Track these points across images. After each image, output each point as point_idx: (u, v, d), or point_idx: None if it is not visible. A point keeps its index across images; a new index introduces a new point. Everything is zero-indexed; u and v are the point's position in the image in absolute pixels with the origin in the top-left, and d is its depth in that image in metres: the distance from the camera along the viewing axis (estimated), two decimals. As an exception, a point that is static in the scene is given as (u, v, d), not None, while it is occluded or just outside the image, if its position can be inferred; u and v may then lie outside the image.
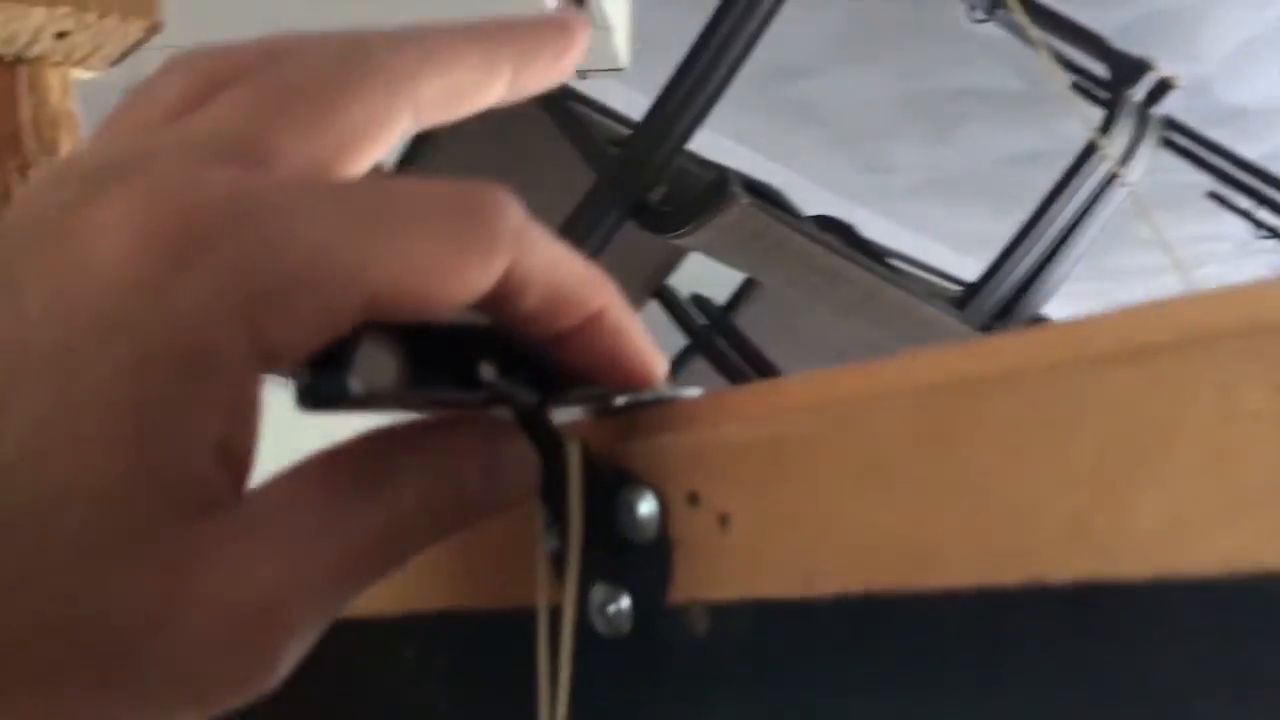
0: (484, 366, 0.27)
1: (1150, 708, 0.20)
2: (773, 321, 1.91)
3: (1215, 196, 2.27)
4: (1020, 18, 1.73)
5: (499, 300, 0.25)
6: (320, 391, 0.24)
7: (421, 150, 1.84)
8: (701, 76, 1.40)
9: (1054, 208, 1.49)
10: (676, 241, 1.40)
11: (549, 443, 0.28)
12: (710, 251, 1.39)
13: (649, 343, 0.29)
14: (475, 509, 0.26)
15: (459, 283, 0.24)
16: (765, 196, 1.32)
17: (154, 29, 0.54)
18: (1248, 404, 0.19)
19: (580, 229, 1.47)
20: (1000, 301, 1.61)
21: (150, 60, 0.31)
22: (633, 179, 1.31)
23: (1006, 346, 0.22)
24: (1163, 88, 1.56)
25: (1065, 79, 2.12)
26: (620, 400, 0.29)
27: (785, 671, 0.25)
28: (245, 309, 0.21)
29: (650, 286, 1.96)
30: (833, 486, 0.24)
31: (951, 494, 0.23)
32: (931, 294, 1.56)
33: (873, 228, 1.99)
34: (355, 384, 0.24)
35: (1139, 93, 1.53)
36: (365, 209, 0.23)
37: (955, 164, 2.81)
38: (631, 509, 0.28)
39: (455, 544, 0.33)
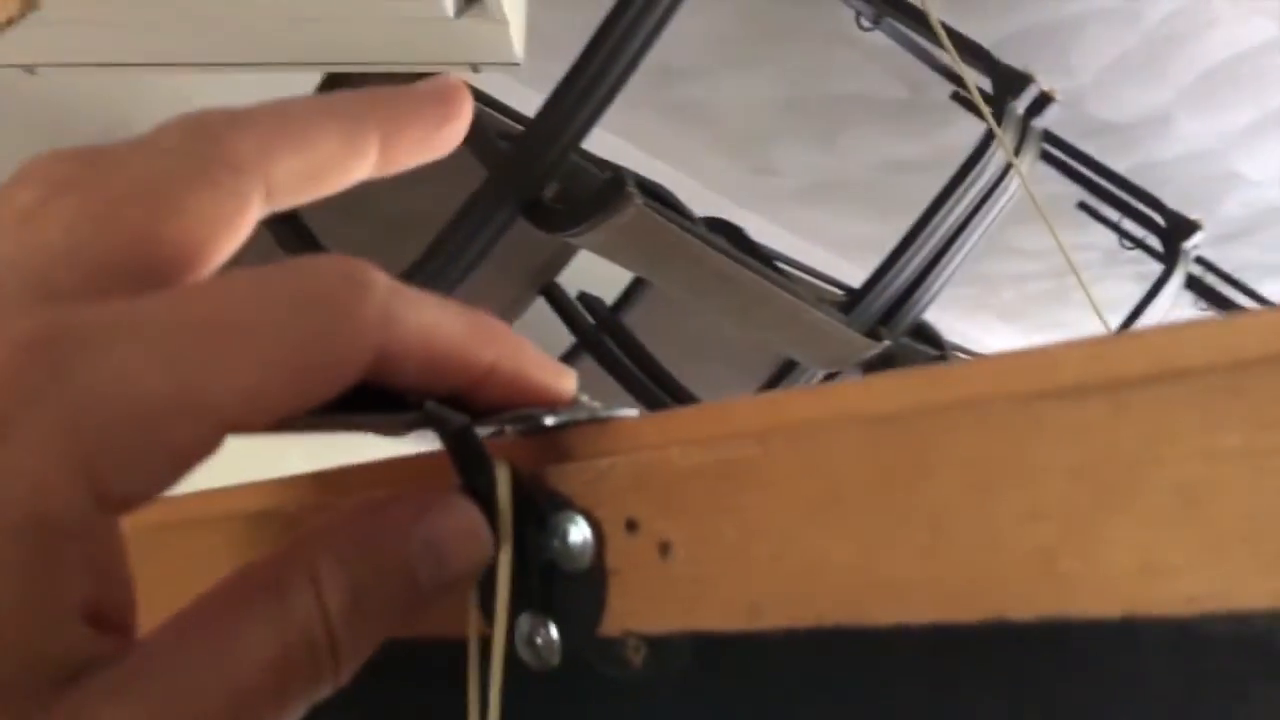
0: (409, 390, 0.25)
1: (1119, 752, 0.19)
2: (661, 322, 1.91)
3: (1085, 207, 2.35)
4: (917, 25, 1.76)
5: (376, 374, 0.23)
6: None
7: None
8: (598, 73, 1.39)
9: (939, 214, 1.52)
10: (569, 240, 1.38)
11: (477, 464, 0.26)
12: (602, 251, 1.38)
13: (552, 369, 0.26)
14: (423, 596, 0.24)
15: (322, 383, 0.21)
16: (658, 198, 1.31)
17: (29, 5, 0.51)
18: (1225, 442, 0.19)
19: (469, 225, 1.44)
20: (885, 306, 1.63)
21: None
22: (525, 175, 1.29)
23: (972, 374, 0.21)
24: (1043, 100, 1.60)
25: (948, 88, 2.17)
26: (551, 420, 0.27)
27: (727, 706, 0.24)
28: (80, 464, 0.19)
29: (538, 284, 1.93)
30: (783, 515, 0.23)
31: (910, 526, 0.22)
32: (819, 298, 1.57)
33: (758, 231, 2.00)
34: None
35: (1021, 105, 1.57)
36: (199, 328, 0.20)
37: (839, 169, 2.85)
38: (563, 535, 0.26)
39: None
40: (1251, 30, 2.21)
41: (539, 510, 0.27)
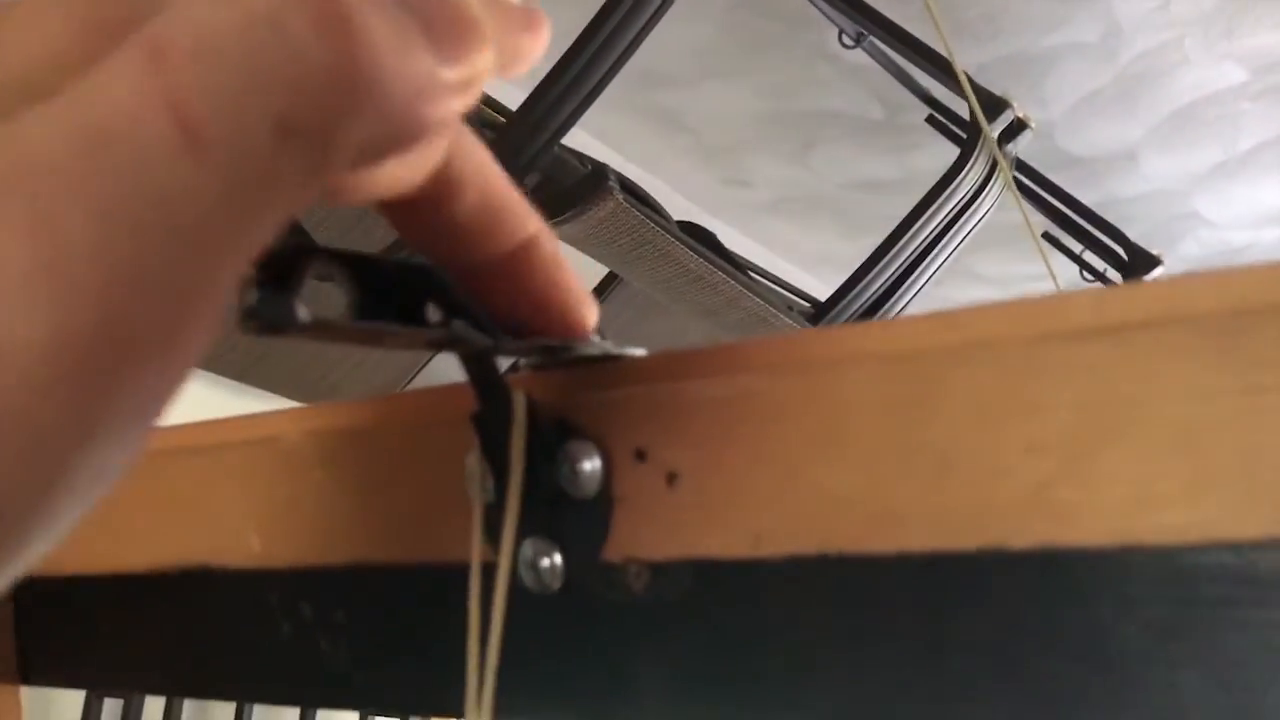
0: (430, 308, 0.26)
1: (1106, 670, 0.21)
2: (631, 319, 1.92)
3: (1050, 238, 2.39)
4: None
5: (436, 199, 0.23)
6: (265, 315, 0.23)
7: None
8: (584, 70, 1.40)
9: (910, 231, 1.54)
10: (545, 231, 1.39)
11: (495, 390, 0.27)
12: (579, 244, 1.38)
13: (582, 291, 0.27)
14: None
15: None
16: (637, 195, 1.32)
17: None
18: (1219, 383, 0.20)
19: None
20: (851, 319, 1.65)
21: None
22: (507, 164, 1.30)
23: (985, 316, 0.22)
24: (1017, 127, 1.63)
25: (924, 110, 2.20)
26: (568, 353, 0.28)
27: (727, 631, 0.25)
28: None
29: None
30: (790, 447, 0.24)
31: (914, 459, 0.23)
32: (788, 306, 1.59)
33: (728, 240, 2.02)
34: (302, 311, 0.23)
35: (996, 129, 1.59)
36: None
37: (811, 185, 2.88)
38: (573, 463, 0.27)
39: (364, 498, 0.32)
40: (1221, 74, 2.26)
41: (550, 438, 0.28)
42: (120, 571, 0.39)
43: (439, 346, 0.27)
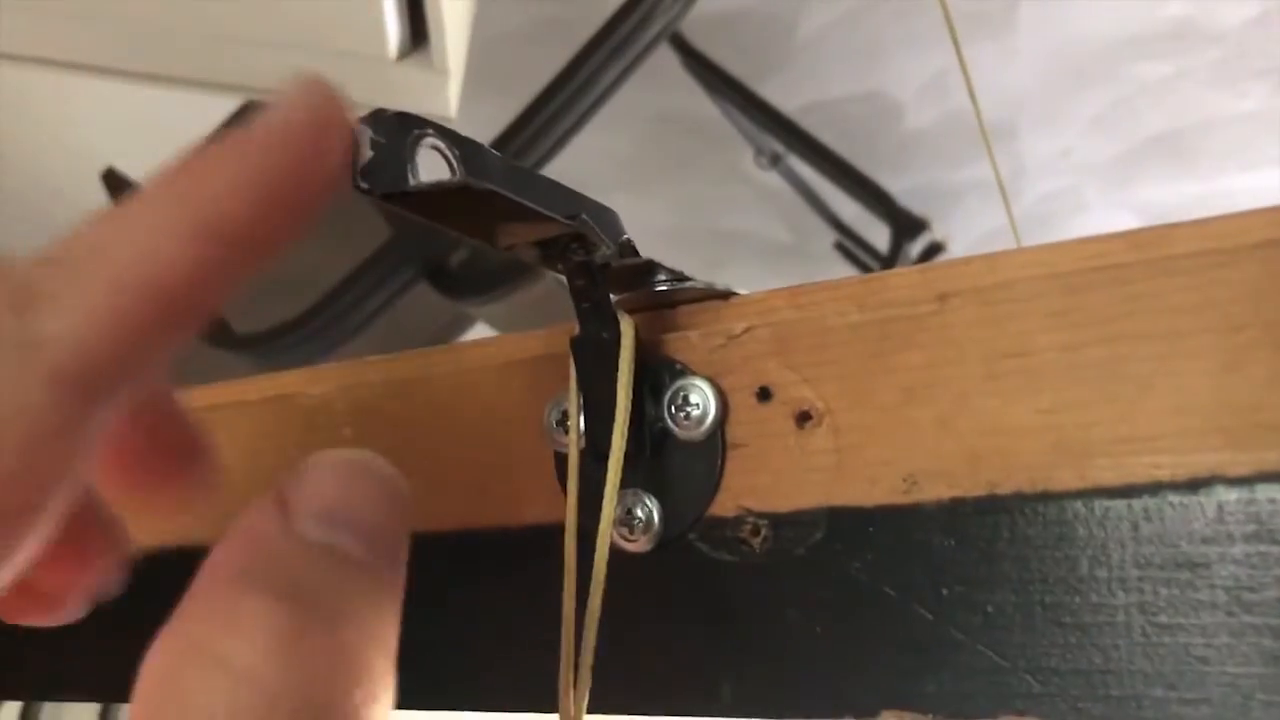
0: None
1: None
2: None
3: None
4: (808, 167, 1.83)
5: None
6: (380, 176, 0.21)
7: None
8: (520, 151, 1.39)
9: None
10: (471, 310, 1.35)
11: (602, 313, 0.24)
12: (501, 325, 1.35)
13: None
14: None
15: None
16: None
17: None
18: None
19: (367, 282, 1.41)
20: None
21: None
22: (436, 240, 1.27)
23: (1169, 235, 0.20)
24: (934, 249, 1.67)
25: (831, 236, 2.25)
26: (672, 287, 0.25)
27: (867, 589, 0.22)
28: None
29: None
30: (953, 378, 0.22)
31: (1101, 385, 0.21)
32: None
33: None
34: (415, 175, 0.21)
35: (915, 249, 1.63)
36: None
37: (715, 303, 2.90)
38: (681, 403, 0.24)
39: (405, 458, 0.29)
40: (1115, 221, 2.37)
41: (658, 374, 0.25)
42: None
43: (550, 259, 0.24)
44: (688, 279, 0.26)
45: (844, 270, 2.24)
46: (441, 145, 0.22)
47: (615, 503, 0.23)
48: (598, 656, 0.23)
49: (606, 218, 0.25)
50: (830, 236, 2.33)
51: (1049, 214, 2.35)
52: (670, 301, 0.25)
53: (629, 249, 0.25)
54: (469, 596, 0.27)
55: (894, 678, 0.22)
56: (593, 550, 0.23)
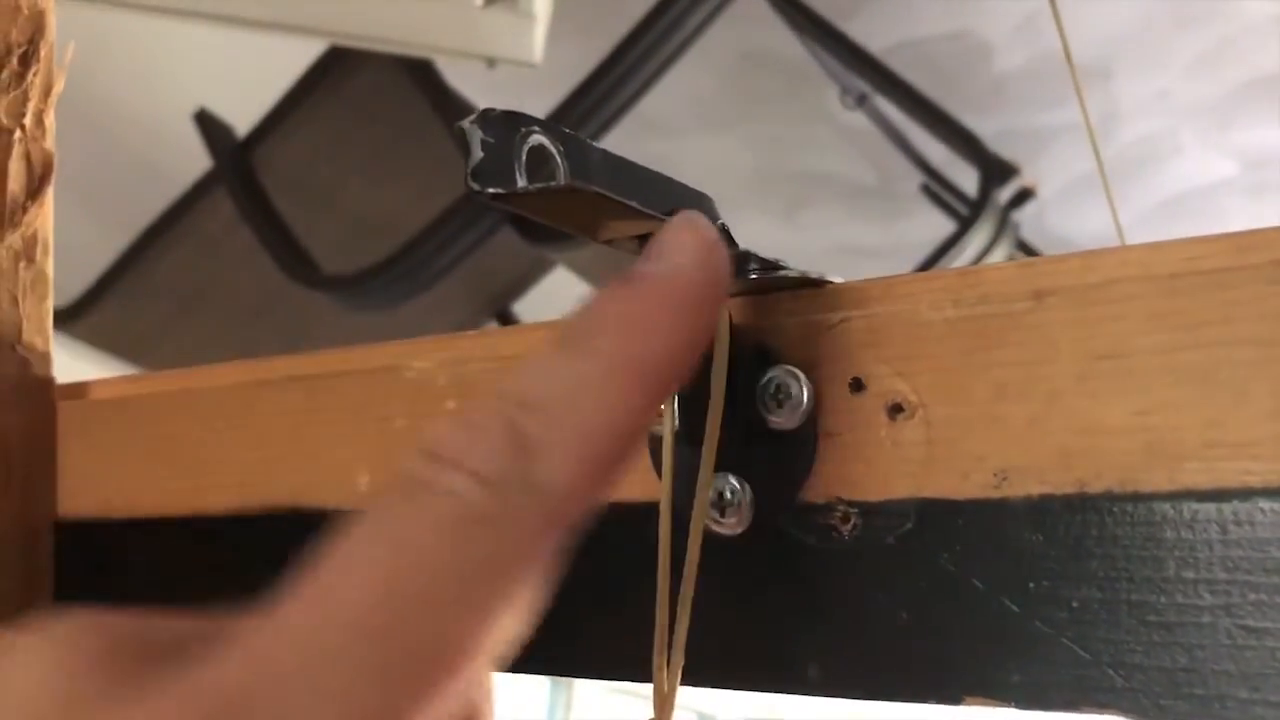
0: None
1: None
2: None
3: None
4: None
5: None
6: (488, 175, 0.22)
7: (273, 128, 1.74)
8: (598, 101, 1.39)
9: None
10: (552, 254, 1.37)
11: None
12: (581, 270, 1.36)
13: None
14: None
15: None
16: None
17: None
18: None
19: (452, 228, 1.42)
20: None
21: None
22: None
23: (1265, 240, 0.20)
24: (1024, 194, 1.64)
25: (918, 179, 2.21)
26: (767, 275, 0.26)
27: (953, 580, 0.23)
28: None
29: (494, 307, 1.91)
30: (1047, 376, 0.22)
31: (1196, 389, 0.21)
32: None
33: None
34: (523, 177, 0.22)
35: (1004, 195, 1.60)
36: None
37: (795, 246, 2.89)
38: (775, 392, 0.25)
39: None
40: (1213, 167, 2.30)
41: (751, 362, 0.25)
42: (196, 513, 0.36)
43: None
44: (782, 266, 0.26)
45: (930, 214, 2.20)
46: (547, 141, 0.23)
47: (710, 487, 0.24)
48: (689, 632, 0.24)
49: (702, 206, 0.25)
50: (916, 179, 2.30)
51: (1142, 157, 2.29)
52: (764, 289, 0.26)
53: (724, 235, 0.26)
54: (566, 568, 0.28)
55: (977, 666, 0.22)
56: (685, 531, 0.24)
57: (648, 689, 0.24)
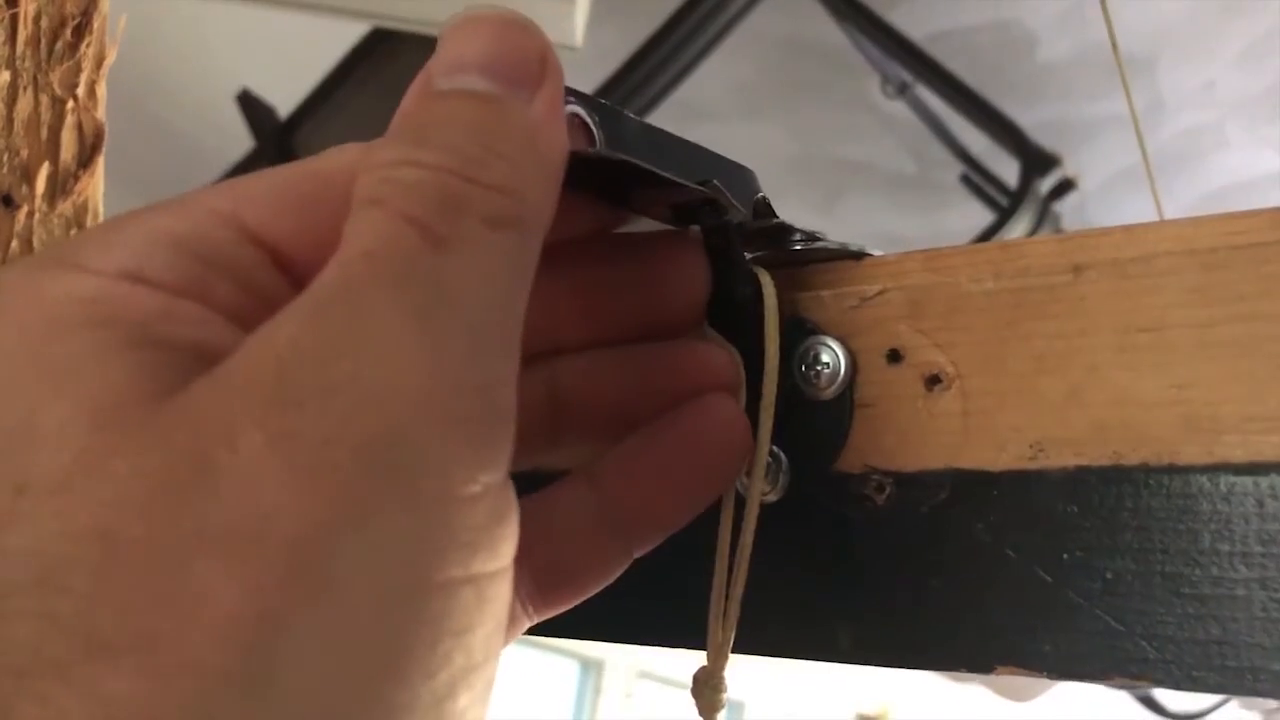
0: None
1: None
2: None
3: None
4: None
5: None
6: None
7: (316, 109, 1.76)
8: (640, 84, 1.39)
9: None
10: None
11: (739, 272, 0.25)
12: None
13: None
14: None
15: None
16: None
17: None
18: None
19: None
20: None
21: None
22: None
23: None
24: (1065, 186, 1.63)
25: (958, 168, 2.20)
26: (805, 246, 0.26)
27: (987, 549, 0.23)
28: None
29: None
30: (1086, 349, 0.22)
31: (1234, 363, 0.21)
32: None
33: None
34: None
35: (1045, 186, 1.59)
36: None
37: (834, 233, 2.86)
38: (813, 362, 0.25)
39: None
40: (1258, 160, 2.27)
41: (789, 333, 0.25)
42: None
43: (683, 220, 0.25)
44: (821, 239, 0.26)
45: (970, 205, 2.19)
46: (581, 112, 0.23)
47: (766, 449, 0.25)
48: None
49: (741, 178, 0.26)
50: (956, 169, 2.28)
51: (1187, 150, 2.26)
52: (803, 260, 0.26)
53: (764, 208, 0.26)
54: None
55: (1009, 635, 0.23)
56: (734, 494, 0.25)
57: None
